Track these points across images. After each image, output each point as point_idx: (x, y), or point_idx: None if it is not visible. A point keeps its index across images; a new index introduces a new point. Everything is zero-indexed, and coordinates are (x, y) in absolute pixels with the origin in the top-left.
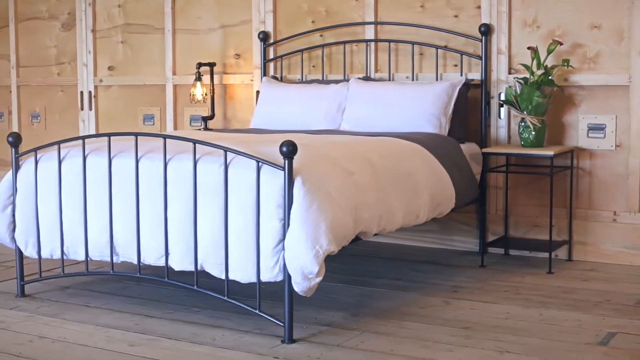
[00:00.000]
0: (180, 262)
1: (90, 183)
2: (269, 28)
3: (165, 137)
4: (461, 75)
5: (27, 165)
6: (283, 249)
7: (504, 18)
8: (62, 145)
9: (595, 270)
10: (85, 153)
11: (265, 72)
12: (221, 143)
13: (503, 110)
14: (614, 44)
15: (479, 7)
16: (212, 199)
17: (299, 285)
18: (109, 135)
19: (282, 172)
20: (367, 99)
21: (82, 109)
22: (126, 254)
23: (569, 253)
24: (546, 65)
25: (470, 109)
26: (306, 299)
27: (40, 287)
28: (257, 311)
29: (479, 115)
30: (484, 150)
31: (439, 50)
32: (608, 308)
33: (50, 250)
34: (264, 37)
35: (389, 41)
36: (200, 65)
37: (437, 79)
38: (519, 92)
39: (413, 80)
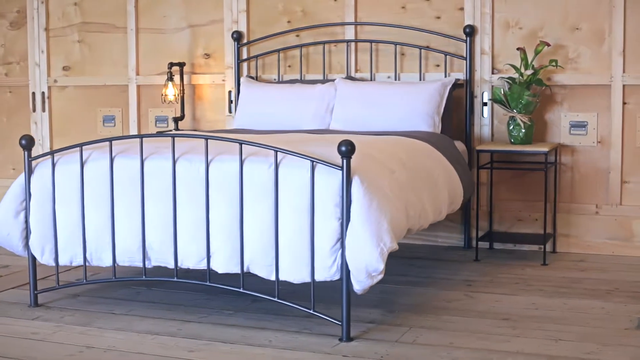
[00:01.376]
0: (226, 264)
1: (118, 186)
2: (242, 28)
3: (207, 138)
4: (445, 75)
5: (42, 169)
6: (341, 247)
7: (487, 20)
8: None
9: (584, 261)
10: (106, 155)
11: (239, 72)
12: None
13: (486, 109)
14: (595, 45)
15: (460, 8)
16: (261, 200)
17: (361, 284)
18: (141, 136)
19: (339, 171)
20: (357, 98)
21: (34, 110)
22: (160, 259)
23: (554, 245)
24: (533, 65)
25: (453, 108)
26: (332, 298)
27: (49, 296)
28: (311, 311)
29: (463, 113)
30: (479, 147)
31: (421, 50)
32: (623, 295)
33: (70, 257)
34: (238, 36)
35: (371, 41)
36: (171, 65)
37: (420, 79)
38: (507, 91)
39: (396, 80)
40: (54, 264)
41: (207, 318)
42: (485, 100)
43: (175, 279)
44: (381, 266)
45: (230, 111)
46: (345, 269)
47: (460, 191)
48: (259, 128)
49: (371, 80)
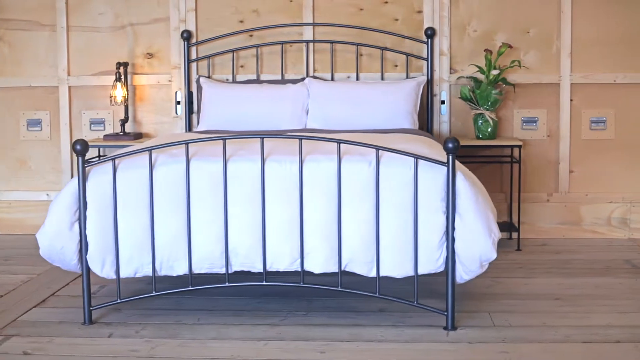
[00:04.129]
0: (324, 264)
1: (197, 191)
2: (190, 27)
3: (301, 138)
4: (407, 76)
5: (98, 175)
6: (445, 240)
7: (445, 22)
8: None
9: (546, 244)
10: (176, 159)
11: (189, 73)
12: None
13: (445, 107)
14: (545, 47)
15: (419, 11)
16: (362, 198)
17: (472, 273)
18: (224, 138)
19: (441, 166)
20: (333, 97)
21: None
22: (247, 263)
23: (510, 233)
24: (499, 65)
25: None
26: (400, 289)
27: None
28: (414, 304)
29: (424, 112)
30: (462, 143)
31: (382, 51)
32: (634, 272)
33: (136, 268)
34: (188, 36)
35: (332, 42)
36: (119, 65)
37: (381, 79)
38: (476, 89)
39: (357, 80)
40: (114, 277)
41: (288, 319)
42: (444, 98)
43: (264, 283)
44: (494, 255)
45: (177, 113)
46: (451, 260)
47: None
48: (235, 128)
49: (331, 80)
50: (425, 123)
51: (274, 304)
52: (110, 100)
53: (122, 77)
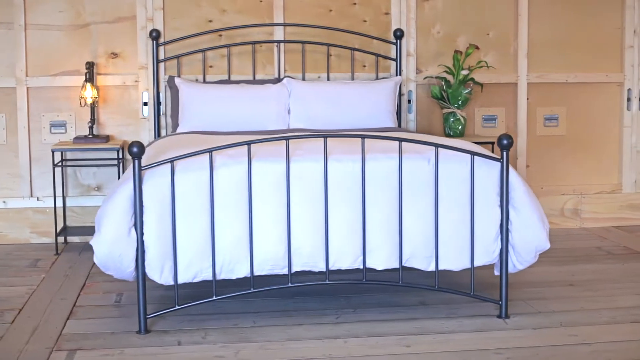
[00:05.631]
0: (387, 260)
1: (260, 192)
2: (158, 26)
3: (363, 136)
4: (376, 77)
5: (156, 178)
6: (501, 232)
7: (412, 24)
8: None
9: None
10: (236, 161)
11: (157, 73)
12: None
13: (411, 106)
14: (504, 48)
15: (386, 13)
16: (423, 194)
17: (526, 263)
18: (287, 138)
19: (495, 162)
20: (315, 97)
21: None
22: (310, 263)
23: None
24: (469, 66)
25: None
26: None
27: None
28: (471, 294)
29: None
30: None
31: (353, 52)
32: (614, 257)
33: (195, 272)
34: (157, 35)
35: (303, 42)
36: (89, 65)
37: (351, 79)
38: (448, 89)
39: (328, 80)
40: (172, 283)
41: (342, 317)
42: (411, 98)
43: (327, 281)
44: (548, 245)
45: (144, 114)
46: (505, 251)
47: None
48: (220, 130)
49: (303, 80)
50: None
51: (311, 303)
52: (80, 102)
53: (90, 77)
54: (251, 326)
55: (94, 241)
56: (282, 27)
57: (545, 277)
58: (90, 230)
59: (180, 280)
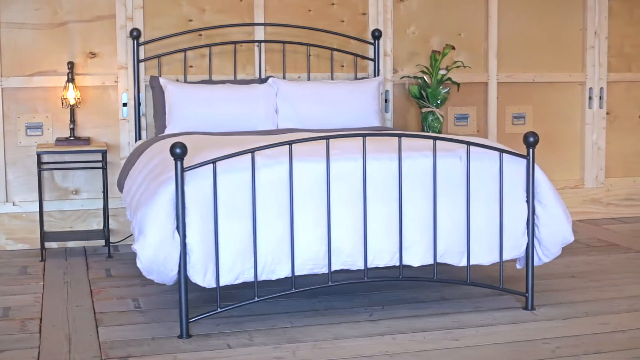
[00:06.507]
0: (423, 257)
1: (301, 192)
2: (137, 25)
3: (400, 135)
4: (355, 77)
5: (199, 179)
6: (527, 227)
7: (389, 25)
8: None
9: None
10: (277, 161)
11: (138, 73)
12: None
13: (388, 105)
14: (475, 48)
15: (363, 13)
16: (455, 191)
17: (552, 256)
18: (327, 137)
19: (522, 159)
20: (303, 97)
21: None
22: (350, 262)
23: None
24: (447, 66)
25: None
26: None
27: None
28: (500, 287)
29: None
30: None
31: (333, 52)
32: (599, 250)
33: (237, 274)
34: (137, 34)
35: (284, 42)
36: (71, 65)
37: (331, 79)
38: (427, 88)
39: (308, 80)
40: (214, 286)
41: (376, 314)
42: (388, 97)
43: (365, 279)
44: (573, 238)
45: (124, 115)
46: (531, 245)
47: None
48: (211, 130)
49: (284, 79)
50: None
51: (336, 302)
52: (63, 103)
53: (72, 77)
54: (290, 326)
55: (138, 245)
56: (262, 27)
57: (544, 270)
58: (69, 236)
59: (223, 283)
